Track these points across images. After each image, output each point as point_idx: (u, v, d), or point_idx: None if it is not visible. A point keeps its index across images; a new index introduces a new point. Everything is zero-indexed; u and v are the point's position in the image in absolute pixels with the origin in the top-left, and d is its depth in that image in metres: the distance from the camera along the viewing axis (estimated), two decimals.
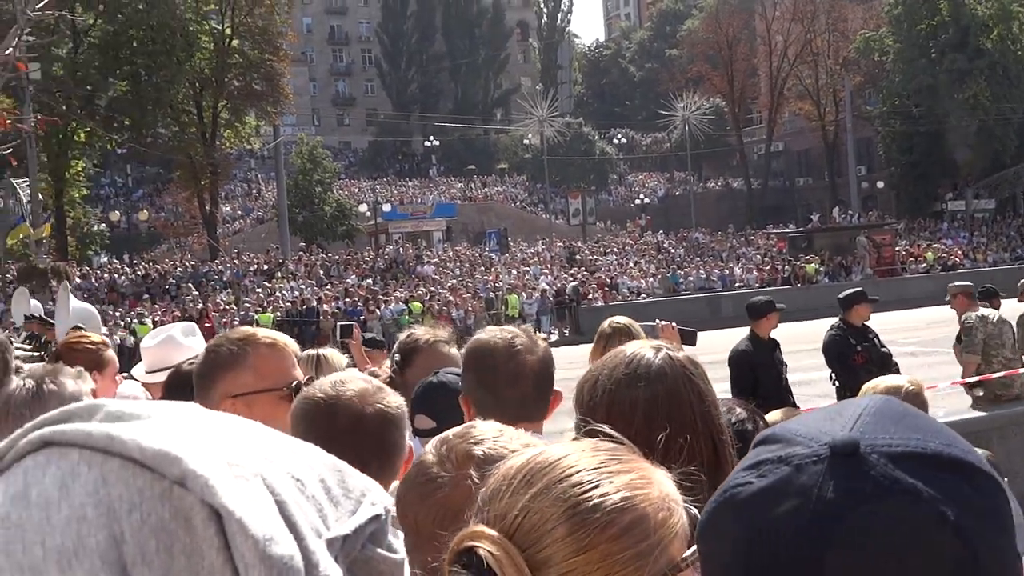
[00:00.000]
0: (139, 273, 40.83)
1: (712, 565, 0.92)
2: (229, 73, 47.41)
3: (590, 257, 47.20)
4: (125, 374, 5.07)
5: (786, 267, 42.59)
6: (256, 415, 2.43)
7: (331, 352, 4.34)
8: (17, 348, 5.14)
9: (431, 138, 77.23)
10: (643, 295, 39.38)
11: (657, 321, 5.83)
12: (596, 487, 1.03)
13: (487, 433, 1.63)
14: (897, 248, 45.86)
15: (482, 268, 44.68)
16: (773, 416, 2.71)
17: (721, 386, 7.55)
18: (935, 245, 48.45)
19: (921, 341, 20.18)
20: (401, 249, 47.99)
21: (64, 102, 40.88)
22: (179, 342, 4.63)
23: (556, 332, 34.95)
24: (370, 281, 40.12)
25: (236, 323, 28.02)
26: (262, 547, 0.75)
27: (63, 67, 42.08)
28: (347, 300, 35.47)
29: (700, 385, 2.02)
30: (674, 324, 5.78)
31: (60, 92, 40.93)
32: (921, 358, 17.36)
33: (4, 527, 0.77)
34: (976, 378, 9.28)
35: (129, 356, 19.88)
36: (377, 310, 33.93)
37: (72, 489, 0.77)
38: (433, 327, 3.84)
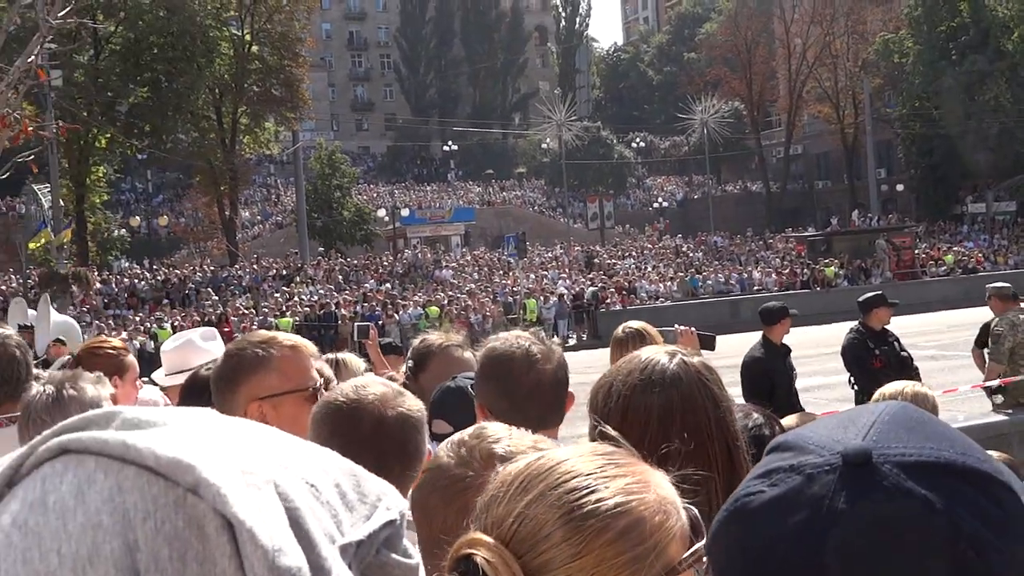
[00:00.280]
0: (159, 278, 41.03)
1: (723, 573, 0.91)
2: (248, 79, 47.64)
3: (608, 261, 47.16)
4: (145, 379, 5.09)
5: (805, 271, 42.41)
6: (282, 416, 2.50)
7: (350, 356, 4.36)
8: None
9: (449, 143, 77.39)
10: (661, 299, 39.31)
11: (676, 326, 5.83)
12: (592, 492, 1.03)
13: (501, 432, 1.66)
14: (917, 251, 45.64)
15: (500, 272, 44.71)
16: (789, 421, 2.70)
17: (736, 391, 7.52)
18: (955, 248, 48.20)
19: (941, 344, 20.08)
20: (419, 254, 48.08)
21: (85, 108, 41.10)
22: (198, 346, 4.66)
23: (574, 336, 34.95)
24: (388, 286, 40.22)
25: (255, 328, 28.11)
26: (271, 558, 0.75)
27: (84, 74, 42.31)
28: (365, 305, 35.53)
29: (715, 390, 2.02)
30: (693, 329, 5.78)
31: (81, 99, 41.16)
32: (941, 362, 17.28)
33: (22, 534, 0.78)
34: (996, 382, 9.21)
35: (149, 361, 19.97)
36: (395, 315, 34.01)
37: (88, 496, 0.78)
38: (447, 331, 3.85)
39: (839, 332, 9.63)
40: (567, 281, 40.78)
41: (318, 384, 2.62)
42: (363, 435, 2.09)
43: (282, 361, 2.61)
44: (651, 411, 1.95)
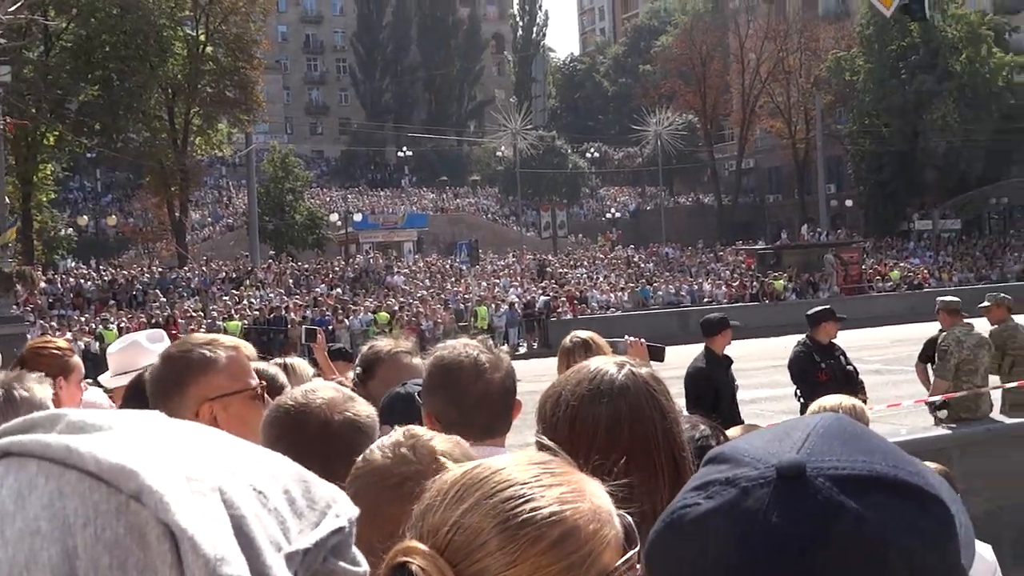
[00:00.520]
0: (106, 278, 40.40)
1: None
2: (202, 80, 47.17)
3: (560, 270, 47.28)
4: (90, 380, 5.03)
5: (755, 283, 42.81)
6: (232, 416, 2.51)
7: (298, 361, 4.34)
8: None
9: (404, 148, 77.12)
10: (612, 309, 39.47)
11: (626, 337, 5.86)
12: (527, 501, 1.04)
13: (428, 433, 1.71)
14: (864, 266, 46.26)
15: (452, 279, 44.65)
16: (734, 432, 2.73)
17: (683, 402, 7.56)
18: (901, 264, 48.94)
19: (886, 359, 20.34)
20: (371, 259, 47.86)
21: (34, 105, 40.47)
22: (145, 347, 4.60)
23: (525, 344, 35.02)
24: (339, 291, 39.99)
25: (203, 331, 27.80)
26: (212, 567, 0.74)
27: (34, 70, 41.64)
28: (316, 309, 35.31)
29: (663, 401, 2.03)
30: (643, 340, 5.80)
31: (30, 95, 40.50)
32: (886, 376, 17.50)
33: None
34: (940, 397, 9.30)
35: (94, 362, 19.67)
36: (346, 320, 33.82)
37: (28, 501, 0.76)
38: (397, 338, 3.85)
39: (787, 344, 9.71)
40: (519, 289, 40.83)
41: (261, 384, 2.66)
42: (309, 439, 2.09)
43: (228, 361, 2.62)
44: (599, 421, 1.96)
